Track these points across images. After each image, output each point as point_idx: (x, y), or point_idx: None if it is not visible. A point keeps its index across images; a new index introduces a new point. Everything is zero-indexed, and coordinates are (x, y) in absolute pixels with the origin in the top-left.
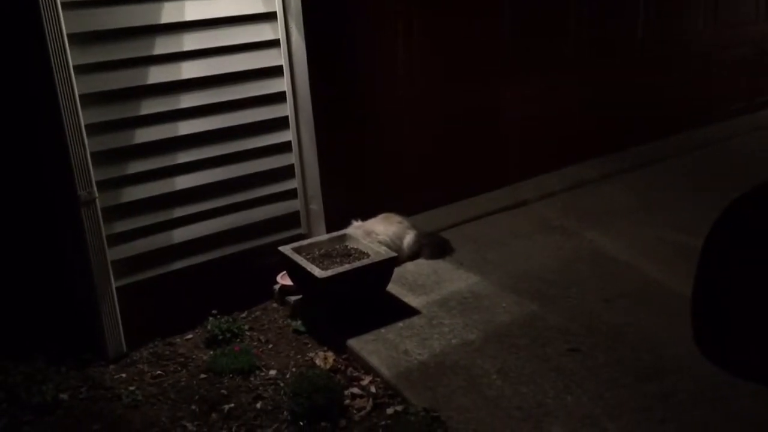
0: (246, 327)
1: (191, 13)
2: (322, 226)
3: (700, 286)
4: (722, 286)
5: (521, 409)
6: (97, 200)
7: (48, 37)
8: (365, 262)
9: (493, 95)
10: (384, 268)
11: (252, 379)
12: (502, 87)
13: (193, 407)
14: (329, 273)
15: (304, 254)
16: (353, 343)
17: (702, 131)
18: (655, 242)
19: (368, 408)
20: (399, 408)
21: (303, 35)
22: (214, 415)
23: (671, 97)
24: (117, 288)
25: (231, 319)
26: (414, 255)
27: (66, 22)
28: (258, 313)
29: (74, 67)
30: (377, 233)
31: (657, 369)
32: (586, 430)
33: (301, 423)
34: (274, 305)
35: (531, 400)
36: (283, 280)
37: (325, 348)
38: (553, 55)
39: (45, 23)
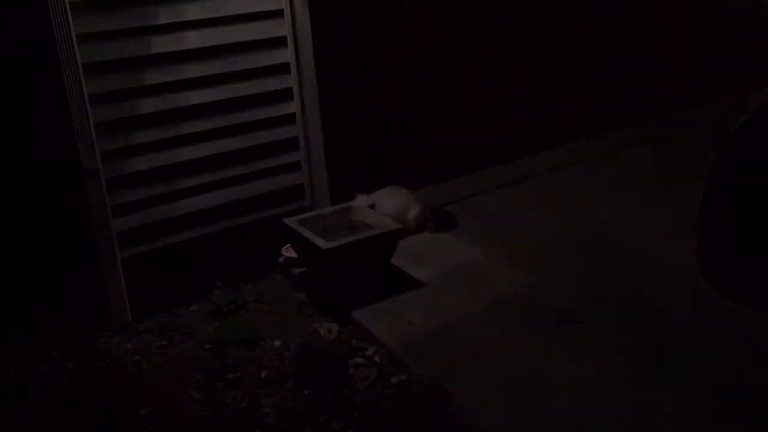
0: (250, 299)
1: None
2: (327, 199)
3: (708, 208)
4: (730, 207)
5: (525, 379)
6: (100, 170)
7: (50, 6)
8: (370, 233)
9: (502, 68)
10: (389, 240)
11: (256, 349)
12: (509, 59)
13: (198, 376)
14: (334, 244)
15: (308, 226)
16: (357, 314)
17: (714, 107)
18: (664, 216)
19: (372, 377)
20: (403, 378)
21: (307, 5)
22: (219, 384)
23: (682, 72)
24: (122, 259)
25: (236, 291)
26: (419, 228)
27: None
28: (262, 285)
29: (77, 35)
30: (382, 206)
31: (660, 340)
32: (589, 398)
33: (306, 392)
34: (279, 277)
35: (535, 370)
36: (288, 252)
37: (330, 319)
38: (560, 28)
39: None
